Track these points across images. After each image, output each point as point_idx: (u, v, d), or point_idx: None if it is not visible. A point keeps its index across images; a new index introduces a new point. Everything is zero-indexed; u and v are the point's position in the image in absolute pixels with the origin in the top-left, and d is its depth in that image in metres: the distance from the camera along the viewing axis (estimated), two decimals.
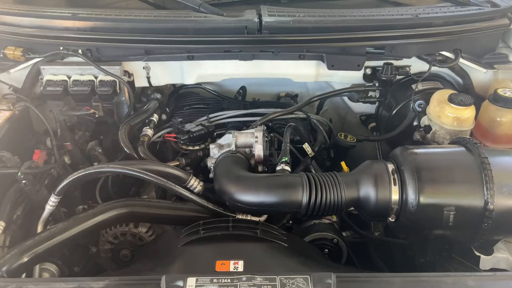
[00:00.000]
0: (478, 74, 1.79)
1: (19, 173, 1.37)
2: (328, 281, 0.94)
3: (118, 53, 1.72)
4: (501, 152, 1.32)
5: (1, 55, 1.71)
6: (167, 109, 1.92)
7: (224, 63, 1.78)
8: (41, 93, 1.68)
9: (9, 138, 1.57)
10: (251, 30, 1.66)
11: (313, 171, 1.62)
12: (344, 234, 1.56)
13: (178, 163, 1.62)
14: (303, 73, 1.82)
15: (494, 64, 1.78)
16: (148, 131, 1.70)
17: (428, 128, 1.59)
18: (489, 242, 1.27)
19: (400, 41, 1.69)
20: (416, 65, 1.78)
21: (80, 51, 1.67)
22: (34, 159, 1.52)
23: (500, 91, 1.55)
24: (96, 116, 1.70)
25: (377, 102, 1.89)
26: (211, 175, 1.50)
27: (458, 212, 1.18)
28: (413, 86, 1.69)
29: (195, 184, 1.40)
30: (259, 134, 1.54)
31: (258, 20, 1.67)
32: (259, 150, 1.51)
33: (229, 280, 0.96)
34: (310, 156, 1.64)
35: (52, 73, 1.69)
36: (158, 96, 1.86)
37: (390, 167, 1.29)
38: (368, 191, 1.27)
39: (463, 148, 1.30)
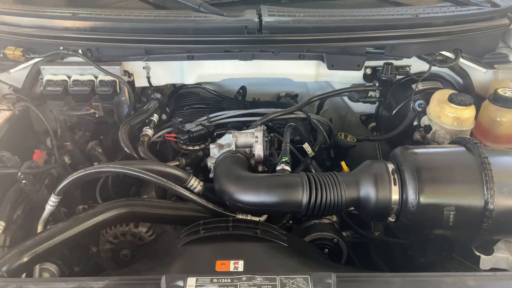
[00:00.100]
0: (478, 74, 1.79)
1: (19, 173, 1.37)
2: (328, 281, 0.94)
3: (118, 53, 1.72)
4: (501, 152, 1.32)
5: (1, 55, 1.71)
6: (167, 109, 1.92)
7: (224, 63, 1.78)
8: (41, 93, 1.68)
9: (9, 138, 1.57)
10: (251, 30, 1.66)
11: (313, 171, 1.62)
12: (344, 234, 1.56)
13: (178, 163, 1.62)
14: (303, 73, 1.82)
15: (494, 64, 1.78)
16: (148, 131, 1.70)
17: (428, 128, 1.59)
18: (489, 242, 1.27)
19: (400, 41, 1.69)
20: (416, 65, 1.78)
21: (80, 51, 1.67)
22: (34, 159, 1.52)
23: (500, 91, 1.55)
24: (96, 116, 1.70)
25: (377, 102, 1.89)
26: (211, 175, 1.50)
27: (458, 212, 1.18)
28: (413, 86, 1.69)
29: (195, 184, 1.40)
30: (259, 134, 1.54)
31: (258, 20, 1.67)
32: (259, 150, 1.51)
33: (229, 280, 0.96)
34: (310, 156, 1.64)
35: (52, 73, 1.69)
36: (158, 96, 1.86)
37: (390, 167, 1.29)
38: (368, 191, 1.27)
39: (463, 148, 1.30)
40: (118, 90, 1.72)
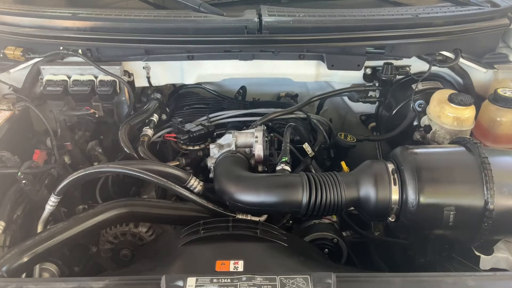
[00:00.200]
0: (478, 74, 1.79)
1: (19, 173, 1.37)
2: (328, 281, 0.94)
3: (118, 53, 1.72)
4: (501, 152, 1.32)
5: (1, 55, 1.71)
6: (167, 109, 1.92)
7: (224, 63, 1.78)
8: (41, 93, 1.68)
9: (9, 138, 1.57)
10: (251, 30, 1.66)
11: (313, 171, 1.62)
12: (344, 234, 1.56)
13: (178, 163, 1.62)
14: (303, 73, 1.82)
15: (494, 64, 1.78)
16: (148, 131, 1.70)
17: (428, 128, 1.59)
18: (489, 242, 1.27)
19: (400, 41, 1.69)
20: (416, 65, 1.78)
21: (80, 51, 1.67)
22: (34, 159, 1.52)
23: (500, 91, 1.55)
24: (96, 116, 1.70)
25: (377, 102, 1.89)
26: (211, 175, 1.50)
27: (458, 212, 1.18)
28: (413, 86, 1.69)
29: (195, 184, 1.40)
30: (259, 134, 1.54)
31: (258, 20, 1.67)
32: (259, 150, 1.51)
33: (229, 280, 0.96)
34: (310, 156, 1.64)
35: (52, 73, 1.69)
36: (158, 96, 1.86)
37: (390, 167, 1.29)
38: (368, 191, 1.27)
39: (463, 148, 1.30)
40: (118, 90, 1.72)
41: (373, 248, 1.64)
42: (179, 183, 1.38)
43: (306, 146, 1.65)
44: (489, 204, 1.16)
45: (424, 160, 1.28)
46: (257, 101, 2.06)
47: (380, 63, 1.77)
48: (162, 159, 1.61)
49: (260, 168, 1.53)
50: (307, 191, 1.27)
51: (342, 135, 1.75)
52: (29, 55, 1.69)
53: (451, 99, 1.52)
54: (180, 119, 1.72)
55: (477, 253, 1.27)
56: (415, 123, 1.68)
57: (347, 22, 1.69)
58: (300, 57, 1.72)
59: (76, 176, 1.33)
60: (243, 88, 2.11)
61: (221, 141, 1.58)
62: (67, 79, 1.68)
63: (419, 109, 1.67)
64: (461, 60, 1.74)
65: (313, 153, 1.65)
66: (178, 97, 2.06)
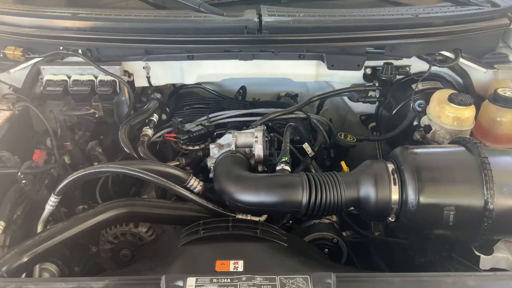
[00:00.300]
0: (478, 74, 1.78)
1: (19, 173, 1.37)
2: (328, 281, 0.94)
3: (118, 53, 1.72)
4: (501, 152, 1.32)
5: (1, 55, 1.71)
6: (167, 109, 1.92)
7: (224, 63, 1.78)
8: (41, 93, 1.68)
9: (9, 138, 1.57)
10: (251, 30, 1.66)
11: (313, 171, 1.62)
12: (344, 234, 1.56)
13: (178, 163, 1.62)
14: (303, 73, 1.82)
15: (494, 64, 1.78)
16: (148, 131, 1.70)
17: (428, 128, 1.59)
18: (489, 242, 1.27)
19: (400, 41, 1.69)
20: (416, 65, 1.78)
21: (80, 51, 1.67)
22: (34, 159, 1.52)
23: (500, 91, 1.55)
24: (96, 116, 1.70)
25: (377, 102, 1.89)
26: (211, 175, 1.50)
27: (458, 212, 1.18)
28: (413, 86, 1.69)
29: (195, 184, 1.40)
30: (259, 134, 1.54)
31: (258, 20, 1.67)
32: (259, 150, 1.51)
33: (229, 280, 0.96)
34: (310, 156, 1.64)
35: (52, 73, 1.69)
36: (158, 96, 1.86)
37: (390, 167, 1.29)
38: (368, 191, 1.27)
39: (463, 148, 1.30)
40: (118, 90, 1.72)
41: (373, 248, 1.64)
42: (179, 183, 1.38)
43: (306, 146, 1.65)
44: (489, 204, 1.16)
45: (424, 160, 1.28)
46: (257, 101, 2.07)
47: (380, 63, 1.77)
48: (162, 159, 1.61)
49: (260, 168, 1.53)
50: (307, 191, 1.27)
51: (342, 135, 1.75)
52: (29, 55, 1.69)
53: (451, 99, 1.52)
54: (180, 119, 1.72)
55: (477, 253, 1.27)
56: (415, 123, 1.68)
57: (347, 22, 1.69)
58: (300, 57, 1.72)
59: (76, 176, 1.33)
60: (243, 88, 2.11)
61: (221, 141, 1.58)
62: (67, 79, 1.68)
63: (419, 109, 1.67)
64: (461, 60, 1.74)
65: (313, 153, 1.65)
66: (178, 97, 2.06)
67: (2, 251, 1.30)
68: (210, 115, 1.84)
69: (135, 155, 1.58)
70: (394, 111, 1.76)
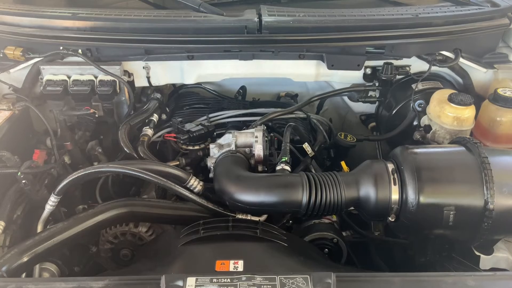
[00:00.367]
0: (478, 73, 1.78)
1: (19, 173, 1.37)
2: (328, 281, 0.94)
3: (118, 53, 1.73)
4: (501, 152, 1.32)
5: (1, 55, 1.71)
6: (167, 109, 1.92)
7: (224, 63, 1.78)
8: (41, 93, 1.68)
9: (9, 138, 1.57)
10: (251, 29, 1.66)
11: (313, 171, 1.62)
12: (344, 234, 1.56)
13: (178, 163, 1.62)
14: (303, 72, 1.82)
15: (494, 64, 1.78)
16: (148, 131, 1.70)
17: (428, 128, 1.59)
18: (489, 241, 1.27)
19: (400, 41, 1.69)
20: (416, 65, 1.78)
21: (80, 51, 1.67)
22: (34, 159, 1.52)
23: (500, 91, 1.55)
24: (96, 116, 1.71)
25: (377, 102, 1.89)
26: (211, 175, 1.50)
27: (458, 212, 1.18)
28: (413, 85, 1.69)
29: (195, 184, 1.40)
30: (259, 134, 1.54)
31: (258, 19, 1.67)
32: (259, 150, 1.51)
33: (229, 280, 0.96)
34: (310, 156, 1.64)
35: (52, 73, 1.69)
36: (158, 96, 1.86)
37: (390, 166, 1.29)
38: (368, 190, 1.27)
39: (463, 148, 1.30)
40: (118, 90, 1.72)
41: (373, 248, 1.64)
42: (179, 183, 1.38)
43: (306, 146, 1.65)
44: (489, 204, 1.16)
45: (424, 160, 1.28)
46: (257, 101, 2.07)
47: (380, 63, 1.77)
48: (162, 159, 1.61)
49: (260, 168, 1.53)
50: (307, 191, 1.27)
51: (342, 135, 1.75)
52: (29, 55, 1.69)
53: (451, 99, 1.52)
54: (180, 119, 1.73)
55: (477, 253, 1.27)
56: (415, 123, 1.68)
57: (347, 22, 1.69)
58: (300, 57, 1.72)
59: (76, 176, 1.33)
60: (243, 88, 2.11)
61: (221, 141, 1.58)
62: (67, 79, 1.68)
63: (419, 109, 1.67)
64: (461, 60, 1.74)
65: (313, 153, 1.65)
66: (178, 97, 2.06)
67: (2, 251, 1.30)
68: (210, 115, 1.84)
69: (135, 155, 1.58)
70: (394, 111, 1.76)
